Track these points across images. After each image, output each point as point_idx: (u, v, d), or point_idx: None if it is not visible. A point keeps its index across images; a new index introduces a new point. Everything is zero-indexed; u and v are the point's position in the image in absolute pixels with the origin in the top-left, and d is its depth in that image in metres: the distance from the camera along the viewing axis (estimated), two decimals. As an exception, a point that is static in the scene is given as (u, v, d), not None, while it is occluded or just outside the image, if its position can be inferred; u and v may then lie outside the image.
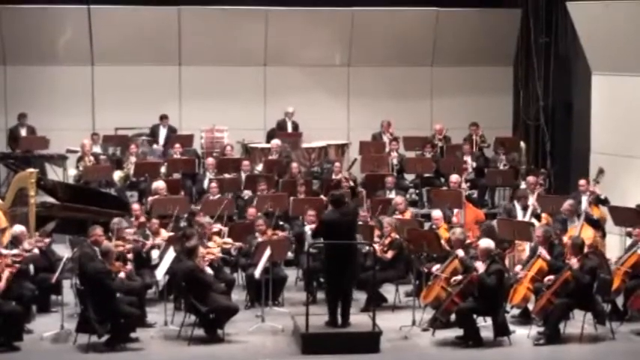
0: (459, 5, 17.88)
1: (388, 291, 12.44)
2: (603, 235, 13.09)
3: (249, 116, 17.71)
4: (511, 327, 11.15)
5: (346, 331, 10.88)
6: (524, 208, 13.47)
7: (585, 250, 11.32)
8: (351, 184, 15.05)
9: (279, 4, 17.53)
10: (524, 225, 12.82)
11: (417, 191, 16.27)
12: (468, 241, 11.96)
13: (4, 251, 11.28)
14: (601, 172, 13.57)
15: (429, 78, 18.45)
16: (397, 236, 12.39)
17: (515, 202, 13.75)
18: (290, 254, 12.98)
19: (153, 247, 12.21)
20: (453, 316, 11.16)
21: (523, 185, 14.53)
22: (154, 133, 17.14)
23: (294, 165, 15.58)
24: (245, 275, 12.36)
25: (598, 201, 13.38)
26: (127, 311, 10.79)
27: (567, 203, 13.14)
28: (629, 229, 12.57)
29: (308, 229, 12.81)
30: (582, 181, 13.76)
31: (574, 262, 11.03)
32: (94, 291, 10.71)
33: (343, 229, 10.89)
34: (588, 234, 12.36)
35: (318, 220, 11.80)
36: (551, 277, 11.20)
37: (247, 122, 17.55)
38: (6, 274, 10.77)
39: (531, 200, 13.57)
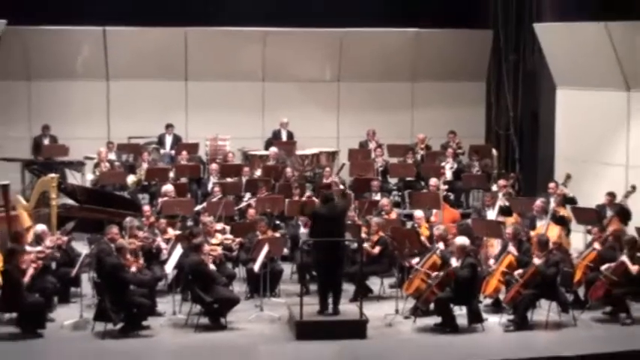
0: (437, 26, 17.91)
1: (374, 283, 12.47)
2: (568, 233, 13.14)
3: (248, 126, 17.73)
4: (484, 315, 11.19)
5: (336, 319, 10.91)
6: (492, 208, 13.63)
7: (550, 246, 11.39)
8: (341, 187, 15.09)
9: (276, 26, 17.56)
10: (495, 224, 12.90)
11: (400, 193, 16.31)
12: (447, 237, 12.00)
13: (29, 248, 11.31)
14: (568, 177, 13.64)
15: (410, 92, 18.50)
16: (383, 234, 12.46)
17: (487, 207, 13.83)
18: (286, 250, 13.00)
19: (159, 245, 12.23)
20: (432, 306, 11.22)
21: (494, 188, 14.58)
22: (160, 141, 17.15)
23: (288, 170, 15.61)
24: (245, 269, 12.37)
25: (566, 201, 13.42)
26: (139, 302, 10.82)
27: (539, 201, 13.22)
28: (590, 228, 12.66)
29: (302, 230, 12.88)
30: (552, 184, 13.80)
31: (536, 260, 11.10)
32: (109, 283, 10.75)
33: (330, 222, 10.97)
34: (554, 232, 12.42)
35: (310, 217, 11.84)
36: (520, 270, 11.28)
37: (247, 132, 17.57)
38: (30, 269, 10.79)
39: (499, 201, 13.64)
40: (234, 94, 17.87)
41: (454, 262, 11.09)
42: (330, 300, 11.02)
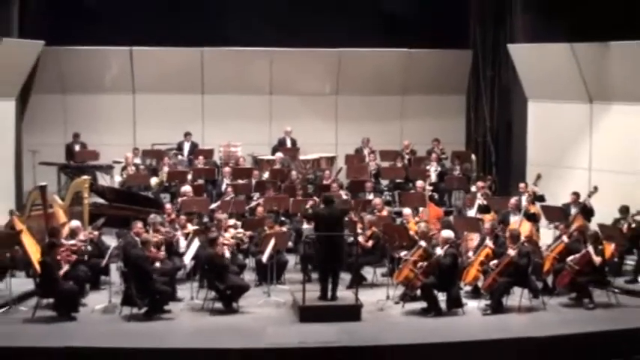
0: (424, 47, 17.90)
1: (368, 272, 12.49)
2: (538, 228, 13.14)
3: (257, 134, 17.73)
4: (464, 300, 11.21)
5: (334, 304, 10.94)
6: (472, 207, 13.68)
7: (522, 239, 11.41)
8: (343, 195, 15.07)
9: (281, 46, 17.58)
10: (474, 220, 12.92)
11: (391, 193, 16.31)
12: (431, 232, 12.03)
13: (64, 242, 11.34)
14: (539, 177, 13.65)
15: (400, 104, 18.48)
16: (375, 229, 12.47)
17: (467, 206, 13.85)
18: (290, 244, 13.01)
19: (178, 238, 12.24)
20: (418, 292, 11.24)
21: (474, 189, 14.59)
22: (180, 147, 17.18)
23: (293, 173, 15.62)
24: (255, 260, 12.39)
25: (536, 199, 13.45)
26: (161, 289, 10.84)
27: (513, 199, 13.24)
28: (557, 224, 12.67)
29: (305, 226, 12.89)
30: (522, 184, 13.83)
31: (512, 251, 11.12)
32: (135, 272, 10.77)
33: (330, 221, 11.00)
34: (526, 227, 12.42)
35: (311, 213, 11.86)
36: (495, 261, 11.31)
37: (256, 139, 17.57)
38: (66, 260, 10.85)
39: (478, 200, 13.67)
40: (245, 106, 17.88)
41: (439, 251, 11.12)
42: (330, 287, 11.04)
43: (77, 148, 16.80)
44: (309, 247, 12.01)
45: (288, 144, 17.42)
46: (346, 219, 12.36)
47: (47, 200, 12.56)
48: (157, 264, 10.98)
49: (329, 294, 11.02)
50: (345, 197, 14.23)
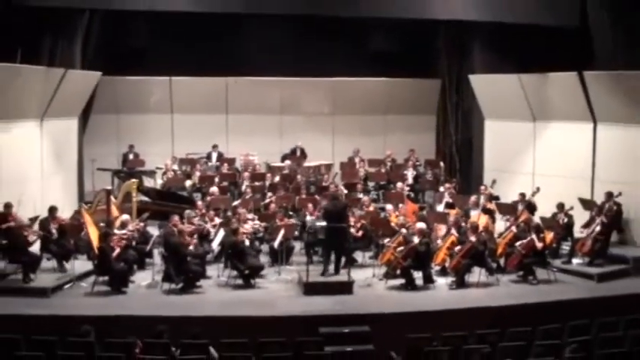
0: (403, 77, 17.89)
1: (358, 255, 12.49)
2: (494, 221, 13.15)
3: (270, 146, 17.67)
4: (435, 278, 11.24)
5: (331, 280, 10.93)
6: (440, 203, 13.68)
7: (480, 229, 11.42)
8: (337, 188, 15.10)
9: (289, 76, 17.58)
10: (442, 214, 12.93)
11: (376, 193, 16.31)
12: (408, 224, 12.02)
13: (117, 231, 11.35)
14: (494, 182, 13.71)
15: (383, 122, 18.46)
16: (364, 222, 12.47)
17: (436, 202, 13.85)
18: (296, 233, 13.00)
19: (208, 229, 12.24)
20: (398, 271, 11.25)
21: (442, 189, 14.60)
22: (209, 156, 17.16)
23: (298, 177, 15.62)
24: (268, 246, 12.39)
25: (492, 198, 13.46)
26: (193, 269, 10.87)
27: (473, 197, 13.26)
28: (508, 217, 12.69)
29: (308, 218, 12.89)
30: (482, 187, 13.86)
31: (472, 238, 11.15)
32: (173, 256, 10.78)
33: (335, 214, 11.07)
34: (483, 220, 12.43)
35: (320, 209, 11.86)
36: (459, 246, 11.32)
37: (269, 150, 17.52)
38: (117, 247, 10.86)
39: (445, 198, 13.68)
40: (260, 123, 17.82)
41: (415, 240, 11.11)
42: (330, 267, 11.08)
43: (131, 156, 16.82)
44: (312, 236, 12.02)
45: (298, 154, 17.43)
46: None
47: (110, 200, 12.55)
48: (191, 247, 10.99)
49: (329, 271, 11.02)
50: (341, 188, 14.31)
